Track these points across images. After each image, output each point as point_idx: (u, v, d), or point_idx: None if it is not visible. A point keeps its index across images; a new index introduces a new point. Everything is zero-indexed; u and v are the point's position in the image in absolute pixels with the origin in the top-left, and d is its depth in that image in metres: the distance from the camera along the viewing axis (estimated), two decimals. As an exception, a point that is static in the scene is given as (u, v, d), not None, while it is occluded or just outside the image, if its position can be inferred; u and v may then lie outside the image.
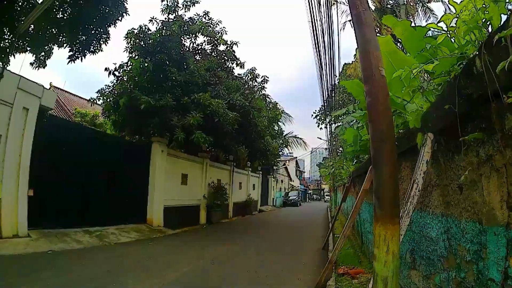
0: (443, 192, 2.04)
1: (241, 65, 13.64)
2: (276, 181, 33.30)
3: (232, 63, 13.61)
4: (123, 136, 12.21)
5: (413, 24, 2.98)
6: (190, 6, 12.17)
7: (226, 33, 13.11)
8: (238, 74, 14.37)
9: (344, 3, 15.48)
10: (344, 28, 18.32)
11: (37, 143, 6.69)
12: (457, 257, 1.79)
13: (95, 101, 11.48)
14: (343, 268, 5.06)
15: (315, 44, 9.91)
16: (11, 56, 7.56)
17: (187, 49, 12.49)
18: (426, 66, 1.93)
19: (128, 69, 11.25)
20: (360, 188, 4.19)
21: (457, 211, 1.81)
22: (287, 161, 43.07)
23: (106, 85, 11.40)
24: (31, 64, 8.61)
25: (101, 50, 8.90)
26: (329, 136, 22.43)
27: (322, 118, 22.86)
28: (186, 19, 12.19)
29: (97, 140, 9.32)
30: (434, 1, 17.06)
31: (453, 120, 1.63)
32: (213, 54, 13.26)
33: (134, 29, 11.17)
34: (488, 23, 1.76)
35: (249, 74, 14.59)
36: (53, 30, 8.15)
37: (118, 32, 11.55)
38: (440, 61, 1.98)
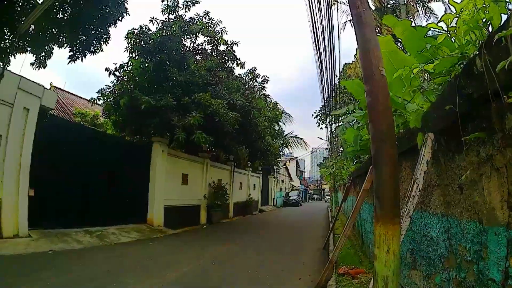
0: (443, 192, 2.04)
1: (242, 65, 13.64)
2: (276, 181, 33.31)
3: (233, 63, 13.61)
4: (123, 136, 12.22)
5: (413, 24, 2.98)
6: (190, 6, 12.16)
7: (226, 33, 13.14)
8: (238, 74, 14.37)
9: (344, 3, 15.47)
10: (344, 28, 18.28)
11: (37, 143, 6.69)
12: (457, 257, 1.79)
13: (95, 101, 11.49)
14: (344, 268, 5.05)
15: (315, 44, 9.91)
16: (11, 56, 7.58)
17: (188, 49, 12.49)
18: (426, 66, 1.93)
19: (128, 69, 11.27)
20: (361, 188, 4.19)
21: (458, 211, 1.81)
22: (288, 161, 43.07)
23: (106, 85, 11.42)
24: (32, 64, 8.62)
25: (102, 50, 8.92)
26: (329, 136, 22.42)
27: (323, 118, 22.86)
28: (186, 19, 12.19)
29: (98, 140, 9.33)
30: (434, 1, 17.05)
31: (453, 120, 1.63)
32: (213, 54, 13.25)
33: (135, 29, 11.16)
34: (488, 23, 1.76)
35: (249, 74, 14.58)
36: (54, 30, 8.16)
37: (118, 32, 11.56)
38: (440, 61, 1.98)
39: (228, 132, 10.64)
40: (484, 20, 1.74)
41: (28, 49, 8.24)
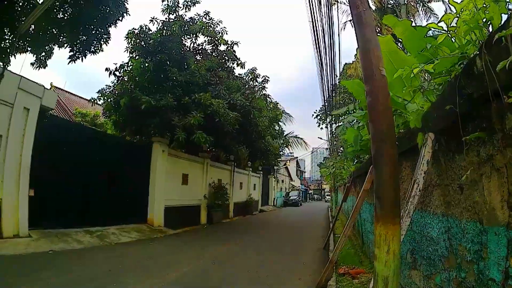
0: (443, 192, 2.04)
1: (242, 65, 13.64)
2: (276, 181, 33.30)
3: (233, 63, 13.61)
4: (123, 136, 12.23)
5: (413, 24, 2.98)
6: (190, 6, 12.17)
7: (226, 33, 13.14)
8: (238, 74, 14.38)
9: (344, 3, 15.48)
10: (344, 28, 18.27)
11: (37, 143, 6.70)
12: (457, 257, 1.79)
13: (95, 101, 11.50)
14: (344, 268, 5.06)
15: (316, 44, 9.90)
16: (11, 56, 7.57)
17: (188, 49, 12.49)
18: (426, 66, 1.93)
19: (128, 69, 11.27)
20: (361, 188, 4.19)
21: (458, 211, 1.80)
22: (288, 161, 43.06)
23: (106, 85, 11.43)
24: (32, 64, 8.62)
25: (102, 50, 8.92)
26: (329, 136, 22.41)
27: (323, 118, 22.83)
28: (186, 19, 12.19)
29: (98, 140, 9.33)
30: (434, 1, 17.05)
31: (454, 120, 1.63)
32: (213, 54, 13.26)
33: (135, 29, 11.17)
34: (488, 23, 1.76)
35: (249, 74, 14.58)
36: (54, 30, 8.16)
37: (118, 32, 11.56)
38: (440, 60, 1.98)
39: (228, 132, 10.65)
40: (484, 20, 1.74)
41: (28, 49, 8.24)
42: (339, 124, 17.26)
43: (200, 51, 13.25)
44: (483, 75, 1.33)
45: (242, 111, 11.12)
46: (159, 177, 10.58)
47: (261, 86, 15.03)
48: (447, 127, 1.86)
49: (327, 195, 53.41)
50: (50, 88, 14.25)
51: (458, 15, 1.88)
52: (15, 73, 6.61)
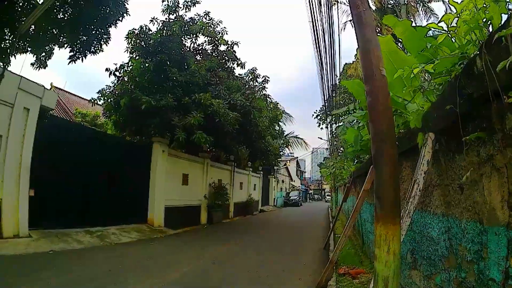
0: (444, 192, 2.04)
1: (242, 65, 13.66)
2: (277, 181, 33.30)
3: (233, 63, 13.62)
4: (124, 136, 12.23)
5: (413, 24, 2.98)
6: (190, 6, 12.17)
7: (226, 33, 13.16)
8: (238, 74, 14.39)
9: (345, 3, 15.48)
10: (344, 28, 18.29)
11: (38, 143, 6.70)
12: (458, 257, 1.79)
13: (96, 101, 11.50)
14: (344, 268, 5.05)
15: (316, 44, 9.91)
16: (11, 56, 7.58)
17: (188, 49, 12.50)
18: (426, 66, 1.93)
19: (128, 69, 11.28)
20: (361, 188, 4.19)
21: (458, 211, 1.80)
22: (288, 161, 43.06)
23: (106, 85, 11.44)
24: (32, 64, 8.62)
25: (102, 51, 8.91)
26: (329, 136, 22.39)
27: (323, 118, 22.82)
28: (186, 19, 12.19)
29: (98, 140, 9.34)
30: (434, 1, 17.06)
31: (454, 120, 1.63)
32: (213, 54, 13.27)
33: (135, 29, 11.17)
34: (488, 23, 1.76)
35: (249, 74, 14.60)
36: (54, 30, 8.16)
37: (118, 33, 11.55)
38: (440, 61, 1.98)
39: (228, 132, 10.65)
40: (484, 20, 1.74)
41: (29, 49, 8.24)
42: (339, 124, 17.25)
43: (200, 51, 13.26)
44: (483, 75, 1.33)
45: (242, 111, 11.13)
46: (159, 177, 10.59)
47: (261, 86, 15.04)
48: (447, 127, 1.86)
49: (327, 195, 53.39)
50: (50, 88, 14.27)
51: (458, 15, 1.88)
52: (15, 73, 6.61)
